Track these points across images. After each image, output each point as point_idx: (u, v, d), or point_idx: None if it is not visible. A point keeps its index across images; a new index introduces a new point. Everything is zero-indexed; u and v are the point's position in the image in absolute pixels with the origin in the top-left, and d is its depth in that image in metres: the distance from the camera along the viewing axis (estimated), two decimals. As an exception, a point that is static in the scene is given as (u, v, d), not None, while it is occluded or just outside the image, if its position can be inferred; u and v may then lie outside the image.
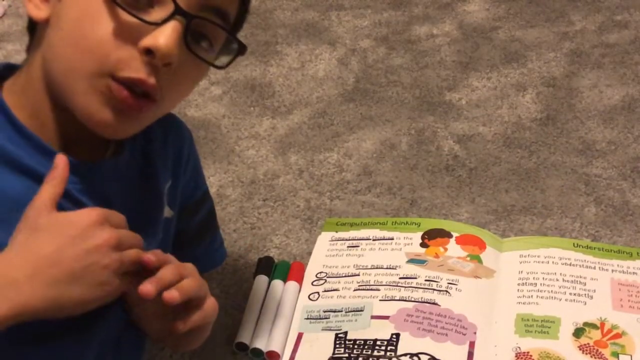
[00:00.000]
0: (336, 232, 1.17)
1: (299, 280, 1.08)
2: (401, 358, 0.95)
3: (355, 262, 1.11)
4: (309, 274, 1.10)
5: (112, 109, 0.69)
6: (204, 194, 0.98)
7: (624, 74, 1.50)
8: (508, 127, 1.38)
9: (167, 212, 0.88)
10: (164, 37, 0.68)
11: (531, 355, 0.94)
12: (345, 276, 1.08)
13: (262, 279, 1.07)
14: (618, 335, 0.96)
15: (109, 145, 0.79)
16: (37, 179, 0.69)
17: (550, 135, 1.36)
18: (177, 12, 0.68)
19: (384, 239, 1.14)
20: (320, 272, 1.10)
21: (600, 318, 0.99)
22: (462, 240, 1.13)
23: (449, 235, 1.14)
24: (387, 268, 1.09)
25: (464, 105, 1.45)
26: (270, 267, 1.10)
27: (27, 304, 0.62)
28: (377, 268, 1.09)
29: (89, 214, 0.66)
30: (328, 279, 1.08)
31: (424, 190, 1.25)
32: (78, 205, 0.71)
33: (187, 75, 0.74)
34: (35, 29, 0.75)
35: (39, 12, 0.72)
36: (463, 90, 1.49)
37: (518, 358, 0.94)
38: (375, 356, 0.95)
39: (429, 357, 0.94)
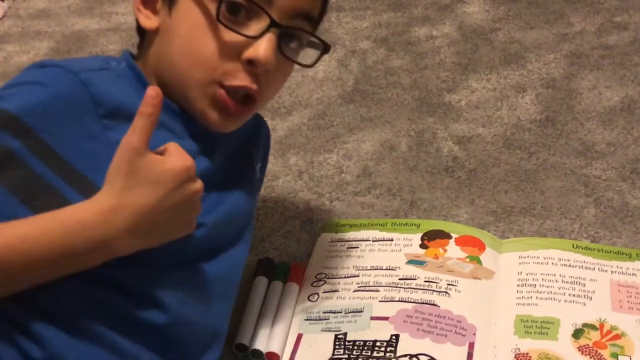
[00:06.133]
0: (336, 233, 1.17)
1: (299, 282, 1.08)
2: (400, 359, 0.95)
3: (354, 263, 1.11)
4: (309, 275, 1.10)
5: (218, 112, 0.82)
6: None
7: (623, 75, 1.50)
8: (507, 129, 1.38)
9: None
10: (263, 49, 0.79)
11: (530, 356, 0.94)
12: (344, 277, 1.09)
13: (261, 280, 1.07)
14: (617, 337, 0.96)
15: None
16: (171, 131, 0.81)
17: (550, 136, 1.36)
18: (272, 24, 0.80)
19: (383, 240, 1.14)
20: (320, 274, 1.10)
21: (600, 319, 0.99)
22: (462, 242, 1.13)
23: (449, 237, 1.14)
24: (386, 269, 1.09)
25: (463, 106, 1.45)
26: (270, 269, 1.10)
27: (119, 253, 0.71)
28: (376, 269, 1.09)
29: (183, 163, 0.73)
30: (328, 280, 1.08)
31: (424, 191, 1.25)
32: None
33: (281, 75, 0.87)
34: (144, 32, 0.87)
35: (150, 22, 0.85)
36: (462, 92, 1.49)
37: (517, 359, 0.94)
38: (374, 357, 0.95)
39: (428, 358, 0.94)
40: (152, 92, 0.71)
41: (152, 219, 0.71)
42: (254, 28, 0.80)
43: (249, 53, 0.80)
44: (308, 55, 0.88)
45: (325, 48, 0.87)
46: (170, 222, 0.73)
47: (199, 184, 0.75)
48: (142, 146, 0.70)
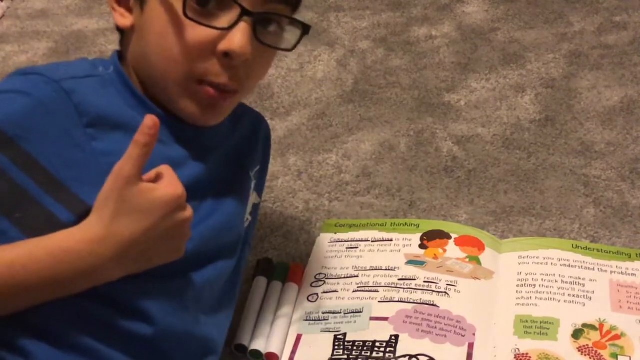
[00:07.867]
0: (335, 233, 1.17)
1: (298, 282, 1.08)
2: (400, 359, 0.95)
3: (354, 264, 1.11)
4: (308, 275, 1.10)
5: (199, 106, 0.80)
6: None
7: (623, 75, 1.50)
8: (507, 129, 1.38)
9: (255, 198, 0.99)
10: (237, 39, 0.76)
11: (530, 357, 0.94)
12: (344, 277, 1.08)
13: (261, 281, 1.07)
14: (617, 337, 0.96)
15: None
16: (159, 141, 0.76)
17: (549, 136, 1.36)
18: (244, 13, 0.77)
19: (382, 241, 1.14)
20: (319, 274, 1.10)
21: (599, 319, 0.99)
22: (461, 242, 1.13)
23: (448, 237, 1.14)
24: (386, 269, 1.09)
25: (462, 106, 1.45)
26: (269, 269, 1.10)
27: (107, 280, 0.71)
28: (376, 269, 1.09)
29: (174, 192, 0.71)
30: (327, 281, 1.08)
31: (423, 191, 1.25)
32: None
33: (263, 62, 0.83)
34: (123, 30, 0.86)
35: (125, 21, 0.83)
36: (462, 92, 1.49)
37: (517, 359, 0.94)
38: (374, 358, 0.95)
39: (428, 358, 0.94)
40: (150, 121, 0.68)
41: (140, 247, 0.70)
42: (225, 19, 0.77)
43: (222, 45, 0.77)
44: (292, 36, 0.84)
45: (304, 29, 0.83)
46: (158, 249, 0.72)
47: (188, 212, 0.73)
48: (134, 175, 0.68)
